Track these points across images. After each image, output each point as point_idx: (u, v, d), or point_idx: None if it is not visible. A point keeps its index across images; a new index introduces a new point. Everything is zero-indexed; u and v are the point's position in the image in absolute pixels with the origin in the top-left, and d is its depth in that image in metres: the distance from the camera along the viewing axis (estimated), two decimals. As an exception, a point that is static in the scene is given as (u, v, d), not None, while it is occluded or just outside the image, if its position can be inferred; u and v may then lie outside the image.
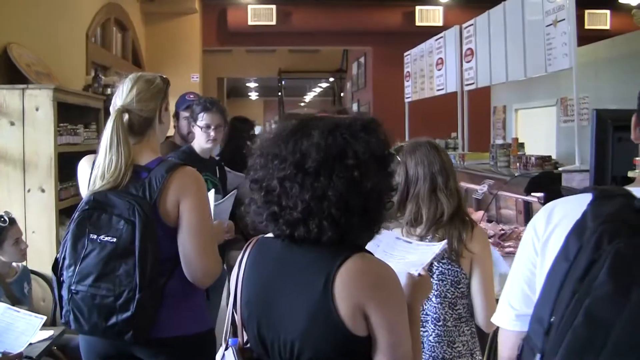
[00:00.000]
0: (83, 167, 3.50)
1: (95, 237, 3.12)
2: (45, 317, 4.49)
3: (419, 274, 2.61)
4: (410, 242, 2.98)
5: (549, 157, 7.14)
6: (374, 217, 2.31)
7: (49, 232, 5.77)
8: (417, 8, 15.77)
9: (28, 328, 4.38)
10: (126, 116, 3.28)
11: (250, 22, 15.51)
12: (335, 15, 15.75)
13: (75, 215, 3.18)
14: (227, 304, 2.57)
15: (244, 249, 2.50)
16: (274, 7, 15.50)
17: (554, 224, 2.00)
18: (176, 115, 5.82)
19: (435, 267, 3.49)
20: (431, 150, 3.56)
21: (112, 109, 3.32)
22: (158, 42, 12.77)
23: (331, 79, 25.95)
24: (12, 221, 5.01)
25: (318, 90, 32.02)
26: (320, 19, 15.83)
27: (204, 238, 3.31)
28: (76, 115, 6.50)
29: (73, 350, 4.79)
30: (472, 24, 9.19)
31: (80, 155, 6.40)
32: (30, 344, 4.32)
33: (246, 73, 24.88)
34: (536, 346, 1.81)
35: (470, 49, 9.26)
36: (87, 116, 6.97)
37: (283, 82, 24.18)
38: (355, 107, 19.12)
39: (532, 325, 1.89)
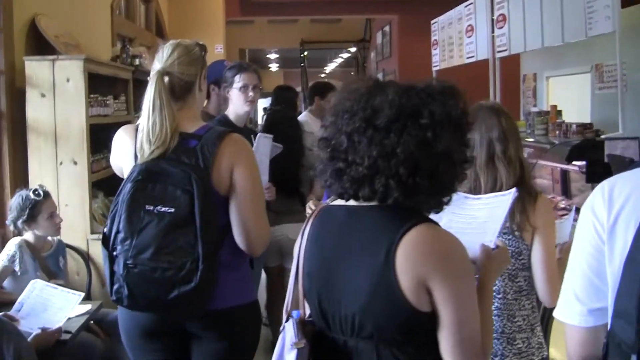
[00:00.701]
0: (121, 137, 3.36)
1: (151, 208, 2.99)
2: (83, 294, 4.44)
3: (496, 246, 2.49)
4: (479, 198, 2.86)
5: (590, 124, 6.98)
6: (443, 183, 2.19)
7: (82, 205, 5.67)
8: (444, -26, 15.40)
9: (66, 304, 4.34)
10: (166, 79, 3.18)
11: (274, -9, 15.27)
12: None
13: (128, 187, 3.03)
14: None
15: (307, 218, 2.42)
16: (298, -26, 15.25)
17: (618, 206, 1.87)
18: (217, 84, 5.67)
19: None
20: (491, 115, 3.36)
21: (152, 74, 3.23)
22: (181, 14, 12.64)
23: (353, 49, 25.76)
24: (47, 194, 4.93)
25: (339, 60, 31.86)
26: (347, -13, 15.52)
27: (259, 204, 3.29)
28: (105, 87, 6.41)
29: (110, 324, 4.76)
30: (505, -11, 8.99)
31: (110, 127, 6.41)
32: (69, 318, 4.25)
33: (267, 44, 24.77)
34: (627, 345, 1.69)
35: (502, 14, 9.04)
36: (115, 87, 6.88)
37: (305, 53, 23.97)
38: (380, 77, 18.84)
39: (615, 320, 1.77)
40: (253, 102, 5.18)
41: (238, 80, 5.07)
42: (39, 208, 4.81)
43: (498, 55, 9.19)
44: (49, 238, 5.07)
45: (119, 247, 3.03)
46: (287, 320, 2.37)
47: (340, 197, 2.28)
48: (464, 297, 2.09)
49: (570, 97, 11.53)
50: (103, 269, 5.38)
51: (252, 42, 23.00)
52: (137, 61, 7.58)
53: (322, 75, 34.08)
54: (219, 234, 3.12)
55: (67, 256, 5.37)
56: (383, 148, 2.09)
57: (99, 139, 6.00)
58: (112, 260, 3.07)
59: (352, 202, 2.26)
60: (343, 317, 2.18)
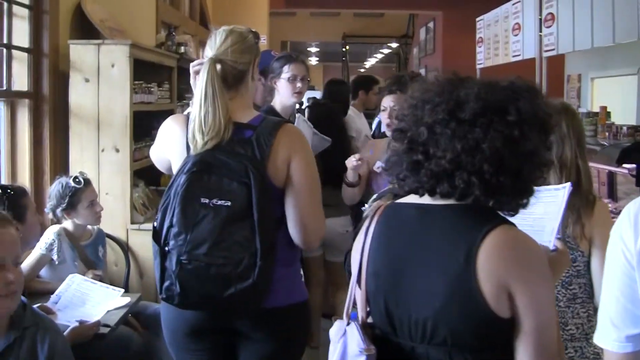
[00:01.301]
0: (170, 127, 3.24)
1: (207, 201, 2.87)
2: (122, 290, 4.33)
3: (555, 247, 2.40)
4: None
5: (638, 126, 6.87)
6: (525, 184, 2.11)
7: (123, 194, 5.55)
8: (490, -28, 15.27)
9: (105, 299, 4.25)
10: (219, 67, 3.07)
11: (319, -16, 15.22)
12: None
13: (182, 179, 2.91)
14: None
15: (369, 215, 2.31)
16: (345, -32, 15.15)
17: None
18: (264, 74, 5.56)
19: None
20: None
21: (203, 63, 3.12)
22: (225, 3, 12.59)
23: (394, 45, 25.70)
24: (87, 182, 4.81)
25: (379, 56, 31.78)
26: (391, -18, 15.44)
27: (317, 197, 3.20)
28: (149, 74, 6.27)
29: (148, 318, 4.68)
30: (554, -12, 8.85)
31: (153, 114, 6.34)
32: (107, 311, 4.14)
33: (309, 37, 24.81)
34: None
35: (550, 13, 8.95)
36: (159, 75, 6.76)
37: (347, 47, 23.91)
38: (422, 73, 18.84)
39: None
40: (301, 94, 5.12)
41: (287, 71, 5.01)
42: (79, 196, 4.69)
43: (545, 54, 9.14)
44: (89, 227, 4.96)
45: (171, 242, 2.90)
46: (348, 324, 2.29)
47: (414, 192, 2.18)
48: (545, 303, 2.02)
49: (614, 98, 11.39)
50: (142, 260, 5.43)
51: (294, 35, 23.02)
52: (182, 49, 7.47)
53: (362, 70, 33.89)
54: (275, 227, 3.02)
55: (106, 246, 5.26)
56: (467, 142, 2.01)
57: (142, 126, 5.92)
58: (163, 255, 2.94)
59: (424, 200, 2.17)
60: (413, 322, 2.09)
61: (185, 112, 3.22)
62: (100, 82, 5.47)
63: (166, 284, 2.93)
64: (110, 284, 4.57)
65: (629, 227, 1.85)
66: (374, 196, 4.22)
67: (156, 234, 2.98)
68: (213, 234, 2.84)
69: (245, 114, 3.13)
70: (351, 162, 4.63)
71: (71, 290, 4.29)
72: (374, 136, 8.66)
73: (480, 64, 11.80)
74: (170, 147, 3.19)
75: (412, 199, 2.23)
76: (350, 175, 4.70)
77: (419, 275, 2.09)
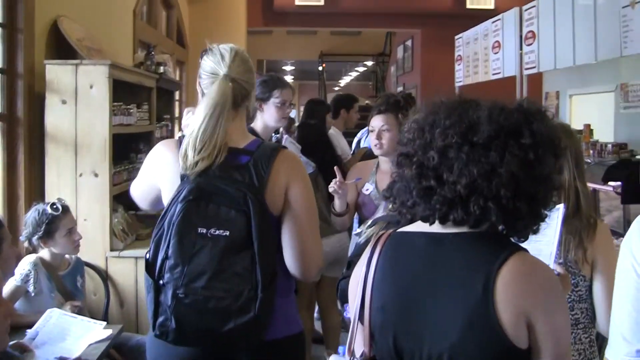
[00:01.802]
0: (161, 152, 3.07)
1: (205, 231, 2.73)
2: (104, 323, 4.16)
3: (557, 273, 2.39)
4: None
5: (625, 144, 6.91)
6: (539, 209, 2.02)
7: (102, 220, 5.37)
8: (469, -10, 15.45)
9: (86, 333, 4.07)
10: (231, 85, 2.95)
11: (297, 2, 15.32)
12: (385, -3, 15.35)
13: (178, 208, 2.76)
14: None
15: (371, 245, 2.19)
16: (322, -14, 15.17)
17: None
18: None
19: (549, 267, 3.12)
20: None
21: (208, 78, 3.00)
22: (202, 21, 12.43)
23: (370, 63, 25.78)
24: (66, 209, 4.62)
25: (354, 74, 31.84)
26: (369, 1, 15.43)
27: (315, 225, 3.10)
28: (127, 94, 6.12)
29: (131, 350, 4.57)
30: (535, 6, 8.85)
31: (132, 137, 6.19)
32: (89, 345, 3.97)
33: (286, 55, 24.83)
34: None
35: (531, 31, 8.95)
36: (138, 95, 6.59)
37: (322, 66, 23.92)
38: (399, 90, 18.86)
39: None
40: (287, 119, 5.12)
41: (277, 96, 4.97)
42: (57, 224, 4.51)
43: (526, 72, 9.12)
44: (67, 256, 4.78)
45: (167, 275, 2.75)
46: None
47: (425, 219, 2.07)
48: (564, 331, 1.99)
49: (593, 115, 11.44)
50: (122, 288, 5.25)
51: (270, 53, 23.02)
52: (161, 69, 7.33)
53: (336, 89, 34.01)
54: (275, 257, 2.93)
55: (85, 275, 5.08)
56: (483, 166, 1.93)
57: (120, 149, 5.78)
58: (157, 290, 2.77)
59: (433, 228, 2.07)
60: (425, 356, 1.98)
61: (177, 137, 3.06)
62: (78, 103, 5.31)
63: (160, 319, 2.77)
64: (90, 315, 4.42)
65: (638, 242, 1.86)
66: (368, 222, 4.12)
67: (149, 267, 2.81)
68: (212, 266, 2.71)
69: (241, 138, 3.02)
70: (331, 186, 4.52)
71: (49, 326, 4.10)
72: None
73: (460, 81, 11.77)
74: (162, 174, 3.03)
75: (419, 227, 2.12)
76: (337, 205, 4.60)
77: (432, 308, 1.99)
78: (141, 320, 5.41)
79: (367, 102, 23.70)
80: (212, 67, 3.00)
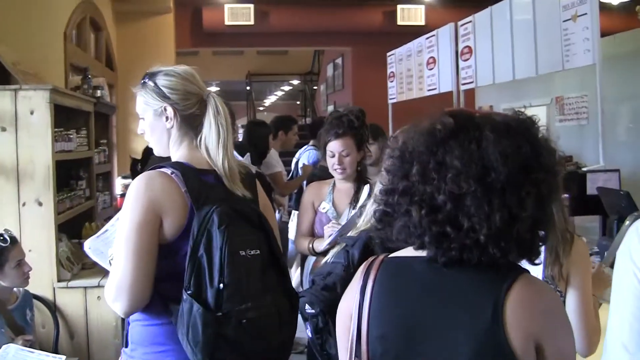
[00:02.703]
0: (165, 184, 2.78)
1: (244, 253, 2.70)
2: (63, 357, 3.98)
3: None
4: None
5: (570, 156, 6.94)
6: (540, 236, 1.93)
7: (48, 250, 5.20)
8: (399, 7, 15.62)
9: None
10: None
11: (227, 22, 15.25)
12: (315, 16, 15.55)
13: (217, 236, 2.66)
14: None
15: (363, 271, 2.09)
16: (251, 6, 15.23)
17: None
18: None
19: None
20: None
21: (191, 99, 2.91)
22: (130, 43, 12.24)
23: (296, 82, 25.87)
24: (14, 240, 4.44)
25: (280, 93, 31.87)
26: (299, 19, 15.60)
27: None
28: (63, 120, 5.91)
29: None
30: (470, 21, 8.90)
31: (72, 163, 6.00)
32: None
33: (212, 76, 24.71)
34: None
35: (468, 46, 9.02)
36: (75, 120, 6.40)
37: (250, 86, 23.95)
38: (331, 110, 18.89)
39: None
40: None
41: None
42: (6, 256, 4.32)
43: (463, 87, 9.16)
44: (15, 289, 4.58)
45: (227, 305, 2.63)
46: None
47: (430, 260, 1.94)
48: (572, 354, 1.95)
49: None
50: (71, 320, 5.06)
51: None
52: (98, 92, 7.16)
53: (261, 109, 34.03)
54: None
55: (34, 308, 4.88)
56: (504, 213, 1.81)
57: (60, 176, 5.56)
58: (219, 323, 2.62)
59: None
60: None
61: (168, 170, 2.86)
62: (19, 130, 5.13)
63: (218, 354, 2.63)
64: (40, 349, 4.23)
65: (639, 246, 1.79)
66: (326, 243, 4.03)
67: (203, 300, 2.64)
68: (260, 286, 2.73)
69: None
70: (330, 228, 4.48)
71: None
72: (292, 177, 8.55)
73: (393, 98, 11.82)
74: (169, 205, 2.76)
75: (415, 252, 2.00)
76: (321, 247, 4.50)
77: (437, 336, 1.90)
78: (92, 351, 5.25)
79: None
80: (192, 88, 2.91)
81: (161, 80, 2.91)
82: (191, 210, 2.72)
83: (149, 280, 2.71)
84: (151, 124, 2.97)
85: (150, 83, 2.93)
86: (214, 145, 2.85)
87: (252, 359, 2.72)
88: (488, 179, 1.80)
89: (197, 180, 2.78)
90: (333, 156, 4.67)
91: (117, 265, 2.74)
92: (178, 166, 2.82)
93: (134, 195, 2.74)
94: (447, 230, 1.85)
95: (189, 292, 2.63)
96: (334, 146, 4.66)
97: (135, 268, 2.69)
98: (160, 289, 2.74)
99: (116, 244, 2.78)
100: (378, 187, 2.28)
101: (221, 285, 2.61)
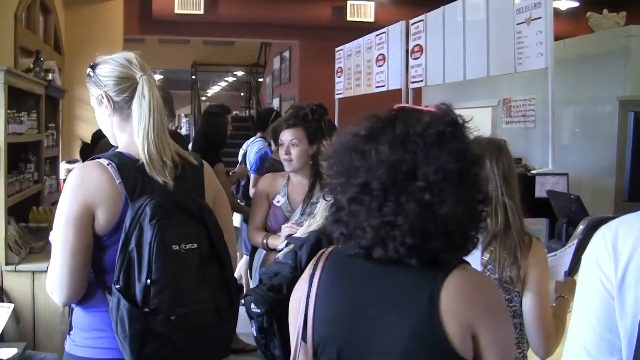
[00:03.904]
0: (99, 176, 2.74)
1: (178, 248, 2.65)
2: (13, 305, 3.95)
3: None
4: None
5: (519, 159, 6.99)
6: (461, 237, 2.00)
7: (-4, 233, 5.12)
8: (349, 3, 15.67)
9: None
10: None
11: (177, 11, 15.13)
12: (264, 8, 15.51)
13: (147, 230, 2.61)
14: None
15: (313, 262, 2.22)
16: (202, -5, 15.10)
17: (625, 258, 1.75)
18: None
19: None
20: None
21: (122, 84, 2.84)
22: (79, 28, 12.08)
23: (240, 73, 25.80)
24: (-35, 223, 4.37)
25: (223, 84, 31.73)
26: (249, 11, 15.53)
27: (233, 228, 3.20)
28: (14, 102, 5.79)
29: None
30: (422, 20, 8.94)
31: (21, 146, 5.92)
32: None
33: (157, 64, 24.45)
34: None
35: (418, 45, 9.05)
36: (25, 103, 6.30)
37: (195, 75, 23.82)
38: (276, 102, 18.85)
39: None
40: None
41: None
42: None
43: (412, 85, 9.19)
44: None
45: (155, 301, 2.59)
46: None
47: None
48: (509, 343, 2.03)
49: (472, 129, 11.60)
50: (18, 304, 5.00)
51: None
52: (50, 75, 7.07)
53: (203, 99, 33.89)
54: None
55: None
56: (383, 217, 1.94)
57: (12, 159, 5.49)
58: (145, 318, 2.59)
59: None
60: None
61: (104, 161, 2.83)
62: (-29, 111, 5.02)
63: (147, 349, 2.60)
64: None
65: (607, 256, 1.78)
66: (281, 244, 4.07)
67: (131, 295, 2.61)
68: (194, 281, 2.68)
69: None
70: (288, 229, 4.44)
71: None
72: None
73: (340, 94, 11.83)
74: (101, 197, 2.72)
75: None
76: (278, 246, 4.52)
77: (378, 321, 2.00)
78: (39, 336, 5.16)
79: (235, 112, 23.61)
80: (123, 72, 2.85)
81: (98, 69, 2.88)
82: (126, 202, 2.70)
83: (82, 273, 2.71)
84: (96, 113, 2.96)
85: (91, 73, 2.91)
86: (135, 130, 2.78)
87: (186, 355, 2.69)
88: (370, 185, 1.94)
89: (133, 172, 2.74)
90: (282, 145, 4.72)
91: (52, 258, 2.74)
92: (115, 157, 2.79)
93: (69, 188, 2.73)
94: (344, 232, 2.04)
95: (117, 286, 2.62)
96: (284, 136, 4.73)
97: (68, 261, 2.69)
98: (102, 279, 2.74)
99: (52, 236, 2.77)
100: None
101: (148, 281, 2.59)
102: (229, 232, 3.01)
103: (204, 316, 2.68)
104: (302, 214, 4.54)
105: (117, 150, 2.87)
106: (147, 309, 2.58)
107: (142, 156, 2.74)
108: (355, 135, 2.05)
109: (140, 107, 2.77)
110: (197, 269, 2.67)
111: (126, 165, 2.74)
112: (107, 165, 2.73)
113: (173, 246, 2.62)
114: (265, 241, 4.64)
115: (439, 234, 1.91)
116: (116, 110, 2.87)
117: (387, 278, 2.02)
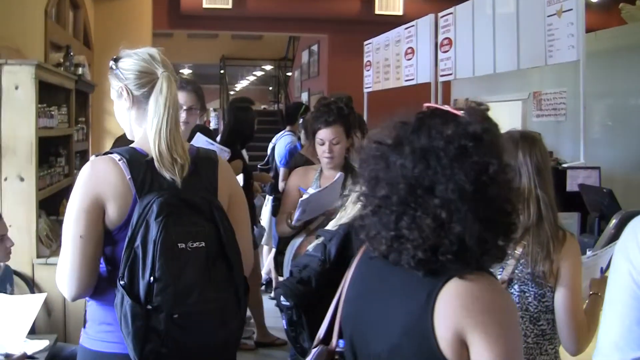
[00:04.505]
0: (109, 170, 2.75)
1: (184, 245, 2.61)
2: (45, 294, 4.14)
3: None
4: None
5: (550, 152, 6.94)
6: (479, 251, 1.90)
7: (27, 226, 5.18)
8: (378, -5, 15.57)
9: (28, 309, 4.03)
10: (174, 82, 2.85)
11: (205, 5, 15.18)
12: (292, 2, 15.51)
13: (153, 227, 2.60)
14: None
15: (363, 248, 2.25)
16: (231, -11, 15.13)
17: None
18: None
19: (516, 278, 3.09)
20: (508, 144, 3.07)
21: (142, 78, 2.82)
22: (108, 23, 12.13)
23: (268, 67, 25.79)
24: (-2, 215, 4.39)
25: (252, 78, 31.78)
26: (277, 4, 15.56)
27: (250, 229, 3.19)
28: (45, 96, 5.84)
29: None
30: (451, 13, 8.89)
31: (51, 140, 5.96)
32: (27, 357, 3.80)
33: (185, 58, 24.65)
34: None
35: (448, 38, 9.00)
36: (56, 97, 6.35)
37: (224, 69, 23.85)
38: (305, 96, 18.83)
39: None
40: (188, 124, 4.78)
41: None
42: (-11, 230, 4.27)
43: (441, 79, 9.15)
44: (-5, 264, 4.54)
45: (157, 299, 2.57)
46: (315, 346, 2.30)
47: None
48: (502, 357, 1.85)
49: (502, 123, 11.53)
50: (49, 296, 4.99)
51: (169, 56, 22.66)
52: (80, 70, 7.11)
53: (232, 93, 34.02)
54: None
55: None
56: (397, 231, 1.93)
57: (43, 153, 5.58)
58: (147, 316, 2.58)
59: None
60: (371, 354, 2.04)
61: (114, 154, 2.83)
62: (3, 105, 5.10)
63: (149, 346, 2.58)
64: (17, 325, 4.21)
65: (636, 247, 1.79)
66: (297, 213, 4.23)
67: (134, 292, 2.61)
68: (198, 280, 2.63)
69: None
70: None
71: None
72: (267, 162, 8.56)
73: (369, 87, 11.79)
74: (111, 191, 2.73)
75: None
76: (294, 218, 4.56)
77: (380, 309, 2.05)
78: (69, 329, 5.22)
79: (264, 106, 23.62)
80: (144, 67, 2.84)
81: (120, 62, 2.87)
82: (135, 198, 2.69)
83: (91, 267, 2.70)
84: (115, 106, 2.95)
85: (114, 66, 2.89)
86: (148, 124, 2.77)
87: (188, 354, 2.66)
88: (391, 196, 1.94)
89: (143, 168, 2.73)
90: (323, 144, 4.68)
91: (62, 251, 2.75)
92: (127, 152, 2.78)
93: (80, 181, 2.74)
94: (362, 238, 2.07)
95: (121, 282, 2.61)
96: (324, 134, 4.67)
97: (76, 255, 2.68)
98: (113, 274, 2.71)
99: (63, 229, 2.77)
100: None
101: (152, 278, 2.57)
102: (244, 232, 3.00)
103: (207, 316, 2.66)
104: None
105: (131, 145, 2.86)
106: (149, 307, 2.57)
107: (153, 151, 2.72)
108: (382, 144, 2.03)
109: (157, 102, 2.76)
110: (203, 268, 2.65)
111: (137, 161, 2.74)
112: (119, 160, 2.73)
113: (179, 244, 2.60)
114: (288, 220, 4.67)
115: (452, 251, 1.87)
116: (135, 103, 2.86)
117: (395, 276, 2.02)
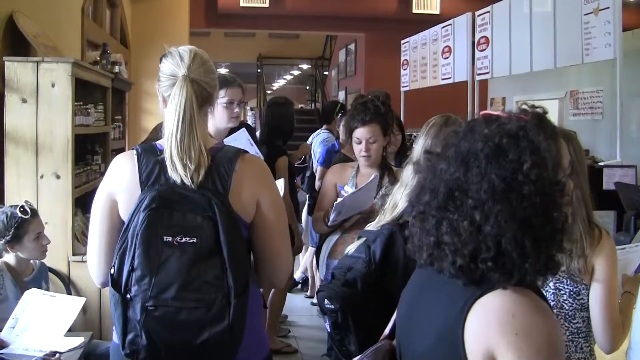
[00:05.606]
0: (121, 163, 2.83)
1: (170, 239, 2.57)
2: (84, 299, 4.15)
3: None
4: None
5: (587, 150, 6.90)
6: (520, 259, 1.80)
7: (63, 224, 5.18)
8: (415, -6, 15.55)
9: (68, 312, 4.05)
10: (194, 87, 2.77)
11: (242, 4, 15.24)
12: (329, 0, 15.40)
13: (140, 218, 2.59)
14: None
15: None
16: (268, -12, 15.16)
17: None
18: None
19: (551, 276, 3.05)
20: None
21: (167, 81, 2.81)
22: (144, 22, 12.20)
23: (305, 66, 25.80)
24: (34, 213, 4.40)
25: (289, 77, 31.80)
26: (314, 3, 15.64)
27: (287, 233, 3.03)
28: (81, 94, 5.85)
29: (99, 358, 4.33)
30: (488, 11, 8.87)
31: (88, 138, 5.99)
32: (60, 353, 3.81)
33: (222, 57, 24.65)
34: None
35: (485, 37, 9.00)
36: (92, 95, 6.39)
37: (261, 68, 23.91)
38: (342, 95, 18.82)
39: None
40: (238, 118, 4.81)
41: (223, 95, 4.62)
42: (26, 228, 4.29)
43: (478, 77, 9.13)
44: (32, 261, 4.57)
45: (134, 288, 2.56)
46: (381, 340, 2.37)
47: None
48: None
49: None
50: (85, 293, 5.05)
51: (208, 55, 22.89)
52: (116, 68, 7.14)
53: (269, 92, 34.10)
54: (248, 264, 2.82)
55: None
56: (437, 237, 1.92)
57: (80, 150, 5.61)
58: (125, 304, 2.58)
59: None
60: (410, 354, 2.09)
61: (133, 150, 2.84)
62: (39, 102, 5.11)
63: (130, 336, 2.57)
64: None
65: None
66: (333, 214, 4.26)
67: (115, 282, 2.63)
68: (181, 275, 2.56)
69: (205, 141, 2.84)
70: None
71: (29, 310, 4.02)
72: (304, 161, 8.55)
73: (406, 86, 11.78)
74: (121, 185, 2.79)
75: None
76: (331, 217, 4.57)
77: (425, 312, 2.05)
78: (105, 327, 5.20)
79: (301, 106, 23.60)
80: (171, 69, 2.82)
81: (161, 62, 2.87)
82: (141, 191, 2.72)
83: (109, 257, 2.74)
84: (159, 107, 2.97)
85: (160, 64, 2.90)
86: (165, 129, 2.77)
87: (163, 351, 2.59)
88: (430, 202, 1.94)
89: (153, 162, 2.74)
90: (360, 143, 4.68)
91: (88, 241, 2.86)
92: (145, 147, 2.82)
93: (105, 175, 2.85)
94: (409, 247, 2.07)
95: (111, 271, 2.64)
96: (361, 133, 4.66)
97: (98, 244, 2.80)
98: None
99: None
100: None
101: (130, 267, 2.57)
102: (274, 238, 2.91)
103: (187, 314, 2.57)
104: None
105: (157, 141, 2.86)
106: (128, 296, 2.57)
107: (166, 152, 2.72)
108: (431, 153, 2.06)
109: (170, 107, 2.76)
110: (189, 264, 2.58)
111: (149, 156, 2.76)
112: (135, 155, 2.78)
113: (165, 237, 2.57)
114: (326, 219, 4.65)
115: (490, 257, 1.80)
116: (165, 104, 2.86)
117: (437, 284, 1.99)
